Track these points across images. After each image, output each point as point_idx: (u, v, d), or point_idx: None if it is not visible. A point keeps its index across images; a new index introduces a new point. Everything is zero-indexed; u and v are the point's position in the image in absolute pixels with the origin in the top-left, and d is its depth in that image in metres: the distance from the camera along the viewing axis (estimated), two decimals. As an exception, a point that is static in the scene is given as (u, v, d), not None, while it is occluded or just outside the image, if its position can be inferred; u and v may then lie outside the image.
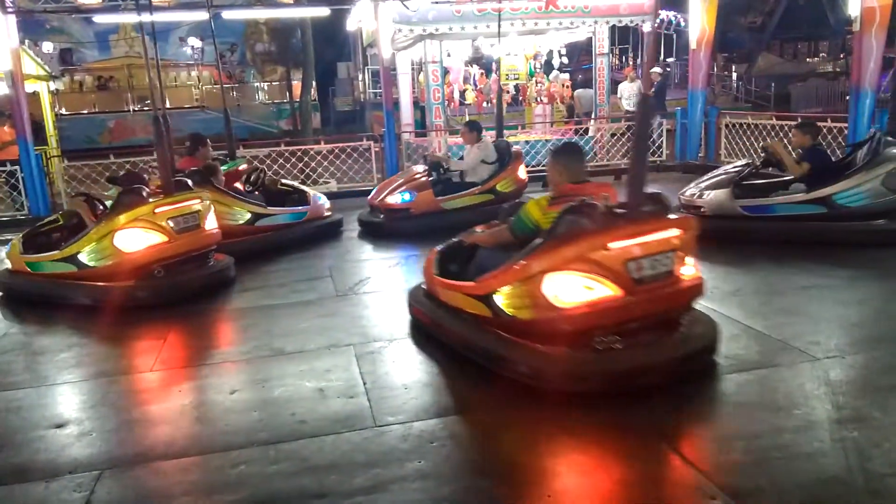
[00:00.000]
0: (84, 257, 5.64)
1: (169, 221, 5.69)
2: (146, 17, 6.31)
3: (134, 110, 23.49)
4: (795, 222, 6.35)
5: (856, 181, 6.08)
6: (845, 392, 3.54)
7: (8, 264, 6.35)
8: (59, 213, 7.17)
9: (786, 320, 4.57)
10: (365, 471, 3.01)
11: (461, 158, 8.26)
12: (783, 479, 2.81)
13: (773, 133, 10.22)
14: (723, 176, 6.85)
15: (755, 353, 4.10)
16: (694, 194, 6.83)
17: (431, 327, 4.50)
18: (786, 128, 9.99)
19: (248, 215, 7.13)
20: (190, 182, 6.23)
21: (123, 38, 24.50)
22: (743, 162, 7.25)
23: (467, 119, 13.05)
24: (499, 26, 8.83)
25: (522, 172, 8.23)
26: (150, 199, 5.73)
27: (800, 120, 9.82)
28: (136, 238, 5.57)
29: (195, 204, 5.93)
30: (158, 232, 5.63)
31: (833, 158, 6.98)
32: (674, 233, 3.67)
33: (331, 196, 8.91)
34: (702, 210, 6.62)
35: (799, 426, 3.21)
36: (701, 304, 4.94)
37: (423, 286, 4.82)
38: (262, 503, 2.87)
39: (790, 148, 6.91)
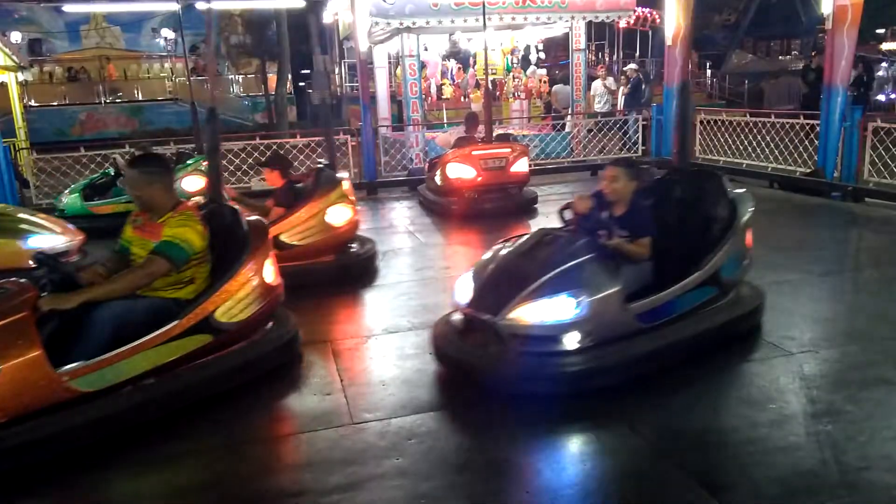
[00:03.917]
0: None
1: None
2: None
3: (105, 102, 23.05)
4: None
5: None
6: (819, 386, 3.58)
7: None
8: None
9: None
10: (342, 468, 2.97)
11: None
12: (759, 473, 2.83)
13: (746, 129, 10.31)
14: None
15: (730, 348, 4.13)
16: None
17: None
18: (759, 124, 10.10)
19: None
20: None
21: (95, 28, 24.02)
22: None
23: (444, 113, 13.08)
24: (484, 18, 8.76)
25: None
26: None
27: (773, 116, 9.91)
28: None
29: None
30: None
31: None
32: None
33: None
34: None
35: (774, 420, 3.23)
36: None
37: None
38: (238, 502, 2.83)
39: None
